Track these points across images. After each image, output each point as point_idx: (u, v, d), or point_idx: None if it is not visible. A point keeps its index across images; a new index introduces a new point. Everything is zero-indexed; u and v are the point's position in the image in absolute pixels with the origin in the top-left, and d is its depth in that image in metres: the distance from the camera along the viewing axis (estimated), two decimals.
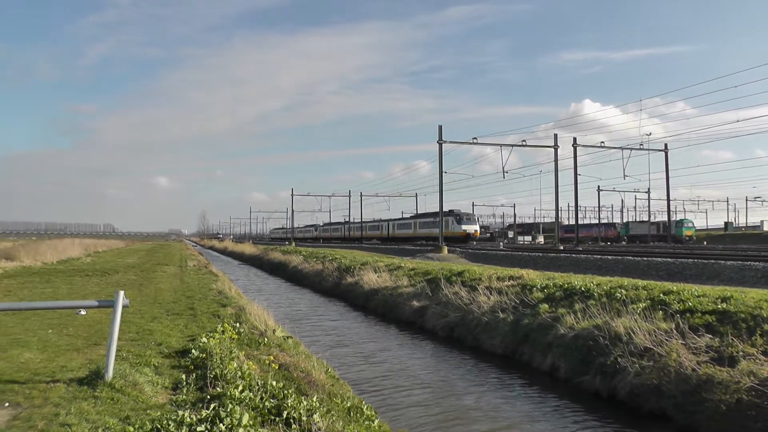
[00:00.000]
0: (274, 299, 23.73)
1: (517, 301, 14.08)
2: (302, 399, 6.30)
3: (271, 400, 6.09)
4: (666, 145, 52.32)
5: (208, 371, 6.79)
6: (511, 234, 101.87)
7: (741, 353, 8.24)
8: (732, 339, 8.67)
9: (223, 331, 9.11)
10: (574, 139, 47.96)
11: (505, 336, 12.99)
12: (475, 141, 45.71)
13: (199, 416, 5.28)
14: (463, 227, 64.33)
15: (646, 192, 74.17)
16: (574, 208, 54.82)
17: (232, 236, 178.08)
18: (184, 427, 5.02)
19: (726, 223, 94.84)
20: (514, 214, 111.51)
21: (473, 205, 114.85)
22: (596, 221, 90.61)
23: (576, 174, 48.44)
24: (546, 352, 11.40)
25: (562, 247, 44.83)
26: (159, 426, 5.01)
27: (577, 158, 48.06)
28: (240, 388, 6.24)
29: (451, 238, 60.84)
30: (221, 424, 5.09)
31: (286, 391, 6.42)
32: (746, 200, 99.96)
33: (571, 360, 10.54)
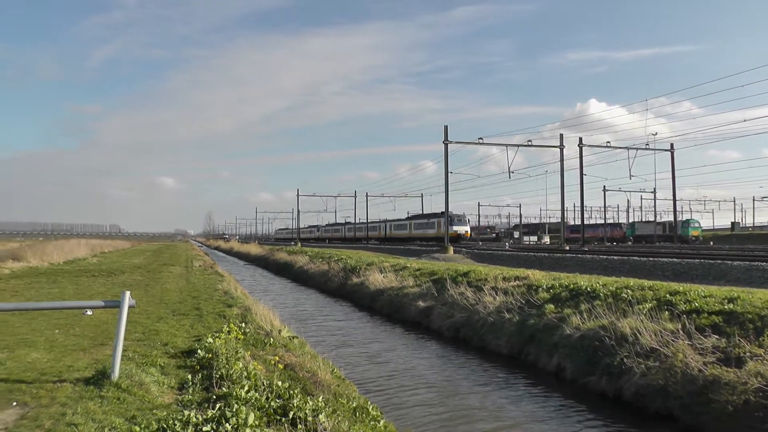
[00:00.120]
0: (280, 299, 23.76)
1: (523, 302, 14.05)
2: (308, 399, 6.30)
3: (277, 400, 6.10)
4: (672, 144, 52.26)
5: (214, 371, 6.81)
6: (516, 234, 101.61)
7: (748, 354, 8.20)
8: (739, 340, 8.63)
9: (228, 332, 9.15)
10: (580, 139, 47.87)
11: (510, 336, 12.97)
12: (480, 141, 45.69)
13: (205, 416, 5.29)
14: (455, 228, 66.09)
15: (652, 192, 74.02)
16: (579, 209, 54.61)
17: (237, 237, 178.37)
18: (190, 427, 5.04)
19: (733, 223, 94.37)
20: (520, 214, 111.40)
21: (479, 205, 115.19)
22: (602, 221, 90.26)
23: (582, 174, 48.31)
24: (552, 352, 11.38)
25: (567, 248, 44.73)
26: (165, 426, 5.02)
27: (583, 158, 47.93)
28: (246, 388, 6.26)
29: (443, 238, 63.88)
30: (227, 424, 5.10)
31: (291, 391, 6.42)
32: (753, 200, 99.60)
33: (577, 360, 10.51)
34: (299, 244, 79.51)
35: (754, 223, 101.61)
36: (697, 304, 10.40)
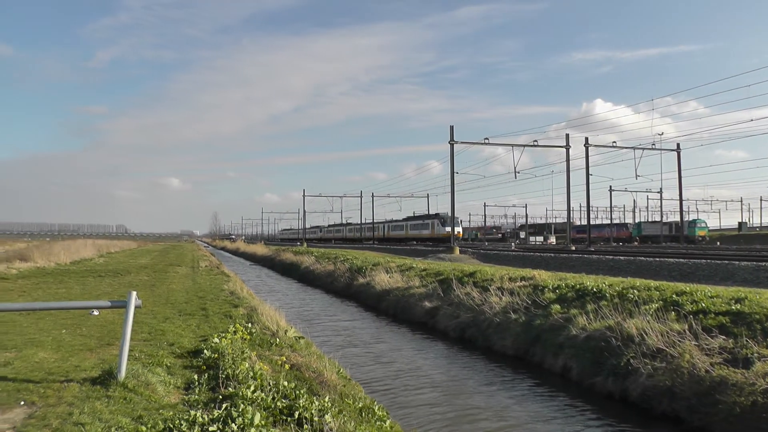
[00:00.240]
0: (286, 300, 23.79)
1: (529, 302, 14.02)
2: (314, 399, 6.31)
3: (283, 401, 6.11)
4: (678, 144, 52.07)
5: (220, 371, 6.83)
6: (522, 234, 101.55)
7: (756, 355, 8.16)
8: (746, 340, 8.59)
9: (234, 332, 9.16)
10: (586, 139, 47.77)
11: (516, 337, 12.95)
12: (486, 141, 45.67)
13: (211, 416, 5.31)
14: (447, 229, 67.17)
15: (658, 192, 73.84)
16: (585, 209, 54.53)
17: (243, 237, 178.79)
18: (197, 427, 5.05)
19: (740, 224, 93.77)
20: (526, 214, 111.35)
21: (485, 205, 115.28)
22: (608, 221, 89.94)
23: (588, 174, 48.25)
24: (558, 353, 11.35)
25: (573, 248, 44.58)
26: (171, 425, 5.04)
27: (589, 158, 47.92)
28: (252, 388, 6.27)
29: (436, 238, 70.44)
30: (233, 424, 5.11)
31: (297, 392, 6.43)
32: (760, 200, 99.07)
33: (583, 361, 10.48)
34: (305, 245, 79.65)
35: (761, 223, 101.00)
36: (703, 305, 10.35)
